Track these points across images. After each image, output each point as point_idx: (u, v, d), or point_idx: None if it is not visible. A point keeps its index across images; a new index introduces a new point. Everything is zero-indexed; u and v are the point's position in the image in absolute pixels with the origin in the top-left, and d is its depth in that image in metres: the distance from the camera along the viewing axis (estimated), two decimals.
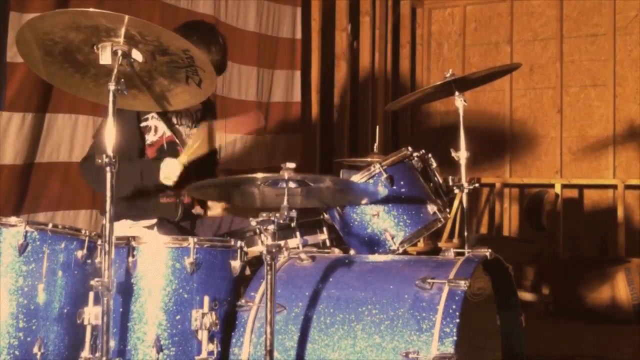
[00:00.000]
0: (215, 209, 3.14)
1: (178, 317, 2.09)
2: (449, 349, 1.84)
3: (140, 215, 2.78)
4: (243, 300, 2.15)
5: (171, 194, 2.88)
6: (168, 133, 2.88)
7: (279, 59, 5.16)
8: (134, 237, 2.12)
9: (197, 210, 3.17)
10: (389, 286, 2.05)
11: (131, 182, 2.73)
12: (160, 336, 2.06)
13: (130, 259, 2.10)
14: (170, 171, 2.73)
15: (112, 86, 1.87)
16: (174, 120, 2.93)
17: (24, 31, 1.89)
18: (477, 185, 2.82)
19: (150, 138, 2.85)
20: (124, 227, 2.73)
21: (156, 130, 2.86)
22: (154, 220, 2.77)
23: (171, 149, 2.88)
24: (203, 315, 2.06)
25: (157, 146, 2.86)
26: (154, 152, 2.86)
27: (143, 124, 2.84)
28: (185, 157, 2.75)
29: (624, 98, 5.86)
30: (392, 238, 2.47)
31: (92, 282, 1.80)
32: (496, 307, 2.39)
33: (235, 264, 2.21)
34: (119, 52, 1.88)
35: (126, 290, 2.08)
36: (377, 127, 3.28)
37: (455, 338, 1.84)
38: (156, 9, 4.00)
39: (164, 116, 2.87)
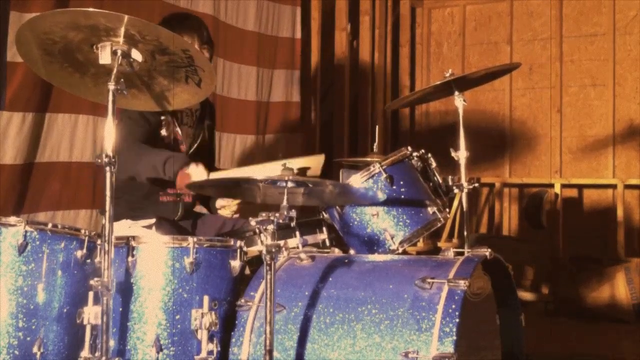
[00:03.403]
0: (228, 208, 3.07)
1: (178, 316, 2.09)
2: (449, 348, 1.84)
3: (139, 215, 2.78)
4: (243, 300, 2.15)
5: (171, 192, 2.87)
6: (176, 129, 2.89)
7: (278, 58, 5.16)
8: (133, 237, 2.12)
9: (199, 209, 3.16)
10: (388, 286, 2.05)
11: (151, 165, 2.65)
12: (159, 336, 2.06)
13: (130, 258, 2.10)
14: (197, 174, 2.66)
15: (111, 86, 1.87)
16: (179, 118, 2.94)
17: (23, 31, 1.89)
18: (476, 184, 2.82)
19: (162, 132, 2.85)
20: (123, 227, 2.73)
21: (168, 126, 2.86)
22: (153, 220, 2.77)
23: (175, 146, 2.89)
24: (203, 314, 2.06)
25: (166, 141, 2.86)
26: (162, 147, 2.85)
27: (162, 117, 2.84)
28: (216, 174, 2.71)
29: (624, 97, 5.85)
30: (392, 238, 2.47)
31: (92, 282, 1.80)
32: (496, 307, 2.39)
33: (235, 263, 2.21)
34: (119, 52, 1.88)
35: (126, 290, 2.09)
36: (377, 126, 3.28)
37: (454, 338, 1.84)
38: (156, 8, 4.00)
39: (173, 113, 2.88)
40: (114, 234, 1.87)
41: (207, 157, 3.15)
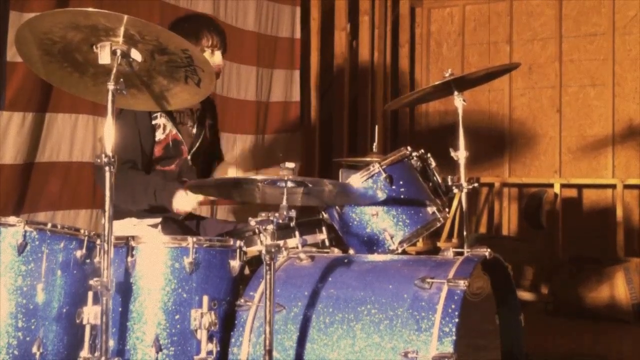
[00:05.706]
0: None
1: (177, 316, 2.09)
2: (448, 348, 1.84)
3: (145, 214, 2.77)
4: (242, 300, 2.15)
5: None
6: (174, 131, 2.88)
7: (278, 58, 5.16)
8: (133, 237, 2.12)
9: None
10: (388, 286, 2.05)
11: (145, 200, 2.73)
12: (159, 336, 2.06)
13: (130, 258, 2.10)
14: (184, 204, 2.69)
15: (111, 86, 1.87)
16: (178, 119, 2.93)
17: (23, 30, 1.89)
18: (476, 184, 2.82)
19: (158, 136, 2.85)
20: (128, 226, 2.73)
21: (164, 128, 2.86)
22: (159, 219, 2.77)
23: (176, 147, 2.89)
24: (202, 314, 2.06)
25: (164, 144, 2.86)
26: (160, 150, 2.86)
27: (153, 122, 2.84)
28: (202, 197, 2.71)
29: (623, 97, 5.86)
30: (391, 238, 2.47)
31: (91, 282, 1.80)
32: (495, 307, 2.39)
33: (235, 263, 2.21)
34: (118, 52, 1.88)
35: (125, 290, 2.08)
36: (376, 126, 3.28)
37: (454, 338, 1.85)
38: (155, 8, 4.00)
39: (170, 115, 2.88)
40: (119, 232, 1.87)
41: (208, 157, 3.15)
